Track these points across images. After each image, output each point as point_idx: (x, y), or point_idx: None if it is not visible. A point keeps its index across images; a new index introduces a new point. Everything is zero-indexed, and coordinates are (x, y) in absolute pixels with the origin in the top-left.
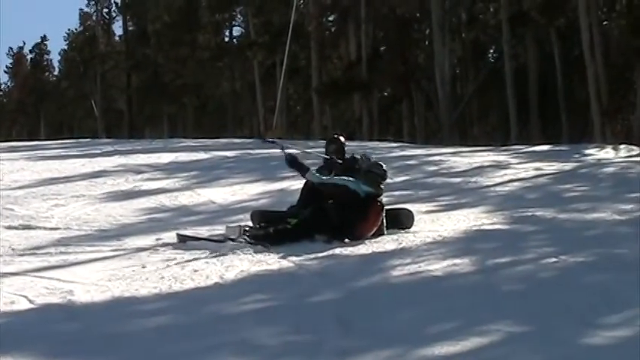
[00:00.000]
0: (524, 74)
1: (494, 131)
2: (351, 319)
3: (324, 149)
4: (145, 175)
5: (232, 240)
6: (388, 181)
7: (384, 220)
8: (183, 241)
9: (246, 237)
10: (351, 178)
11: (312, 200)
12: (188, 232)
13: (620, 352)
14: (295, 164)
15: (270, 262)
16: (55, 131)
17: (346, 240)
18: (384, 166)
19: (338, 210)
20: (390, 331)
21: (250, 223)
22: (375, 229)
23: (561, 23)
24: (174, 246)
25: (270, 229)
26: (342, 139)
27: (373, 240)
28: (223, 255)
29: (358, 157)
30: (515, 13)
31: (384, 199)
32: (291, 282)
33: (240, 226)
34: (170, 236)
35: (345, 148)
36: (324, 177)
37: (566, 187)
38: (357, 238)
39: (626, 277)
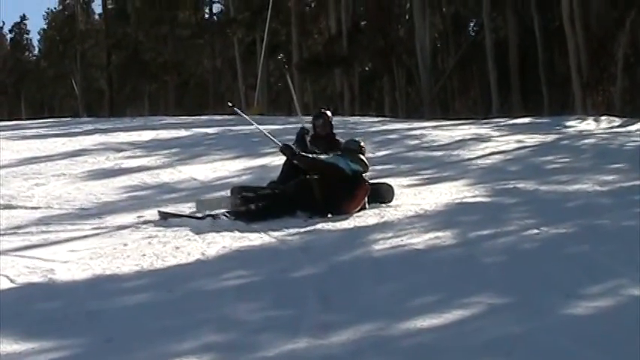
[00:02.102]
0: (504, 47)
1: (476, 105)
2: (333, 294)
3: (310, 124)
4: (126, 153)
5: (213, 217)
6: (370, 155)
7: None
8: (165, 219)
9: (226, 214)
10: (336, 156)
11: (293, 176)
12: (169, 209)
13: (602, 322)
14: (287, 149)
15: (252, 237)
16: (36, 111)
17: (329, 215)
18: (360, 142)
19: (322, 186)
20: (372, 305)
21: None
22: (359, 207)
23: None
24: (155, 223)
25: (251, 205)
26: (328, 113)
27: (355, 214)
28: (205, 232)
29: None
30: None
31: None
32: (273, 257)
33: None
34: (152, 214)
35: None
36: (309, 155)
37: (547, 159)
38: (342, 214)
39: (608, 248)
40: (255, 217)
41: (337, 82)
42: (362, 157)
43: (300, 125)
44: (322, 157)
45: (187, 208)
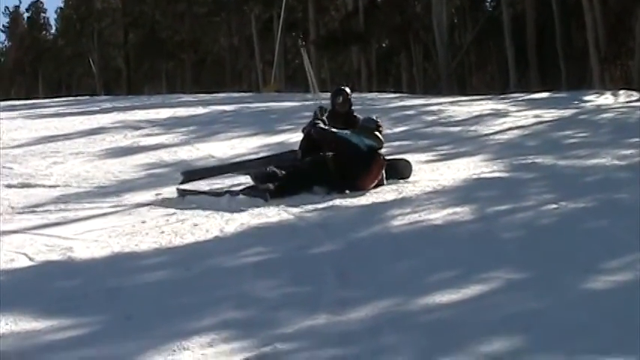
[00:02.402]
0: (522, 22)
1: (493, 80)
2: (351, 270)
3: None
4: (144, 131)
5: (231, 194)
6: (387, 131)
7: (384, 171)
8: (183, 196)
9: (244, 191)
10: (350, 132)
11: (311, 152)
12: (188, 186)
13: (621, 296)
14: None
15: (270, 214)
16: (54, 90)
17: (346, 191)
18: (377, 120)
19: (338, 162)
20: (390, 281)
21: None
22: (376, 182)
23: None
24: (173, 201)
25: (269, 184)
26: (347, 90)
27: (373, 191)
28: (223, 209)
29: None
30: None
31: (383, 149)
32: (291, 234)
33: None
34: (170, 191)
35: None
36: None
37: (565, 134)
38: (359, 189)
39: (626, 222)
40: (273, 194)
41: (354, 59)
42: (377, 133)
43: (317, 103)
44: (335, 131)
45: (206, 185)
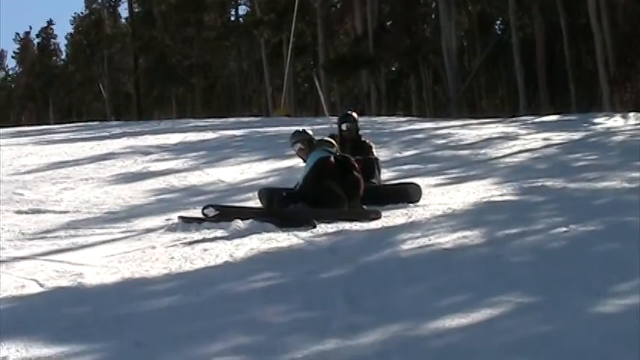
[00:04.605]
0: (531, 45)
1: (503, 103)
2: (361, 295)
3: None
4: (154, 156)
5: (241, 219)
6: (397, 155)
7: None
8: (189, 222)
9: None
10: (312, 155)
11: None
12: (190, 213)
13: (632, 320)
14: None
15: (280, 239)
16: (64, 116)
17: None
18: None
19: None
20: (400, 305)
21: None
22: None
23: None
24: (183, 226)
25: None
26: (354, 115)
27: (383, 215)
28: (233, 234)
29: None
30: None
31: (393, 173)
32: (301, 259)
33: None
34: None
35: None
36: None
37: (575, 157)
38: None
39: (637, 245)
40: (282, 221)
41: (364, 83)
42: (326, 138)
43: (327, 126)
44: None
45: (214, 210)
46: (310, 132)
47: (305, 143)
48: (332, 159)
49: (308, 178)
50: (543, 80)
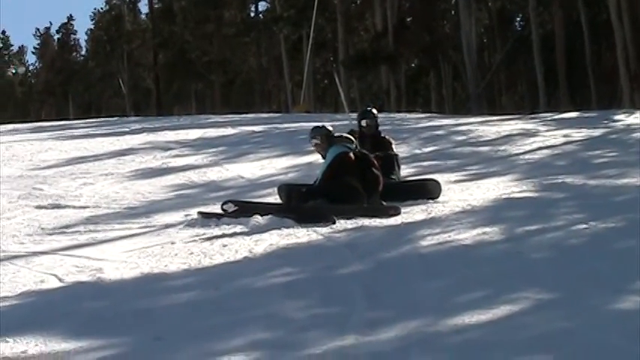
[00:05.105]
0: (551, 41)
1: (523, 100)
2: (380, 291)
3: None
4: (173, 152)
5: (261, 214)
6: (416, 151)
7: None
8: (208, 218)
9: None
10: (330, 152)
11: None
12: (209, 209)
13: None
14: None
15: (299, 235)
16: (84, 111)
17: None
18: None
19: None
20: (419, 301)
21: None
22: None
23: None
24: (202, 221)
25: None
26: (374, 112)
27: (403, 211)
28: (252, 229)
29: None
30: None
31: (412, 169)
32: (320, 254)
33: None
34: (200, 210)
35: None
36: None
37: (595, 154)
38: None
39: None
40: (302, 217)
41: (383, 79)
42: (345, 134)
43: (346, 122)
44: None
45: (233, 206)
46: (330, 127)
47: (323, 138)
48: (351, 154)
49: (326, 173)
50: (563, 77)
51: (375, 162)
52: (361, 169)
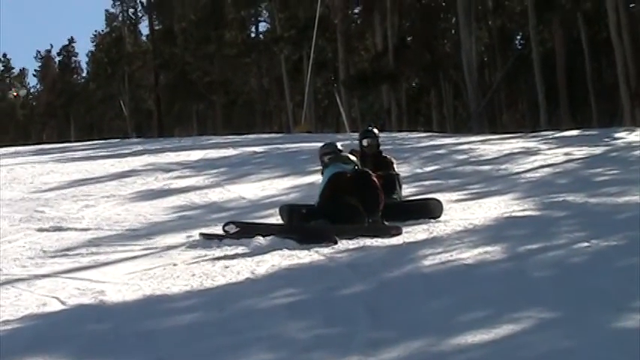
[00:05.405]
0: (551, 60)
1: (524, 118)
2: (383, 311)
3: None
4: (175, 174)
5: (263, 236)
6: (418, 170)
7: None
8: (210, 239)
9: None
10: (326, 171)
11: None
12: (211, 230)
13: None
14: None
15: (301, 255)
16: (85, 133)
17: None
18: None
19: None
20: (422, 321)
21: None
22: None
23: (587, 7)
24: (204, 243)
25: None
26: (375, 131)
27: (404, 230)
28: (254, 250)
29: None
30: None
31: (414, 188)
32: (322, 275)
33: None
34: (201, 232)
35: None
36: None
37: (596, 172)
38: (380, 207)
39: None
40: (304, 238)
41: (384, 98)
42: (344, 153)
43: (347, 142)
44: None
45: (235, 227)
46: (339, 146)
47: (325, 157)
48: (347, 174)
49: (323, 194)
50: (564, 95)
51: (376, 180)
52: (360, 188)
